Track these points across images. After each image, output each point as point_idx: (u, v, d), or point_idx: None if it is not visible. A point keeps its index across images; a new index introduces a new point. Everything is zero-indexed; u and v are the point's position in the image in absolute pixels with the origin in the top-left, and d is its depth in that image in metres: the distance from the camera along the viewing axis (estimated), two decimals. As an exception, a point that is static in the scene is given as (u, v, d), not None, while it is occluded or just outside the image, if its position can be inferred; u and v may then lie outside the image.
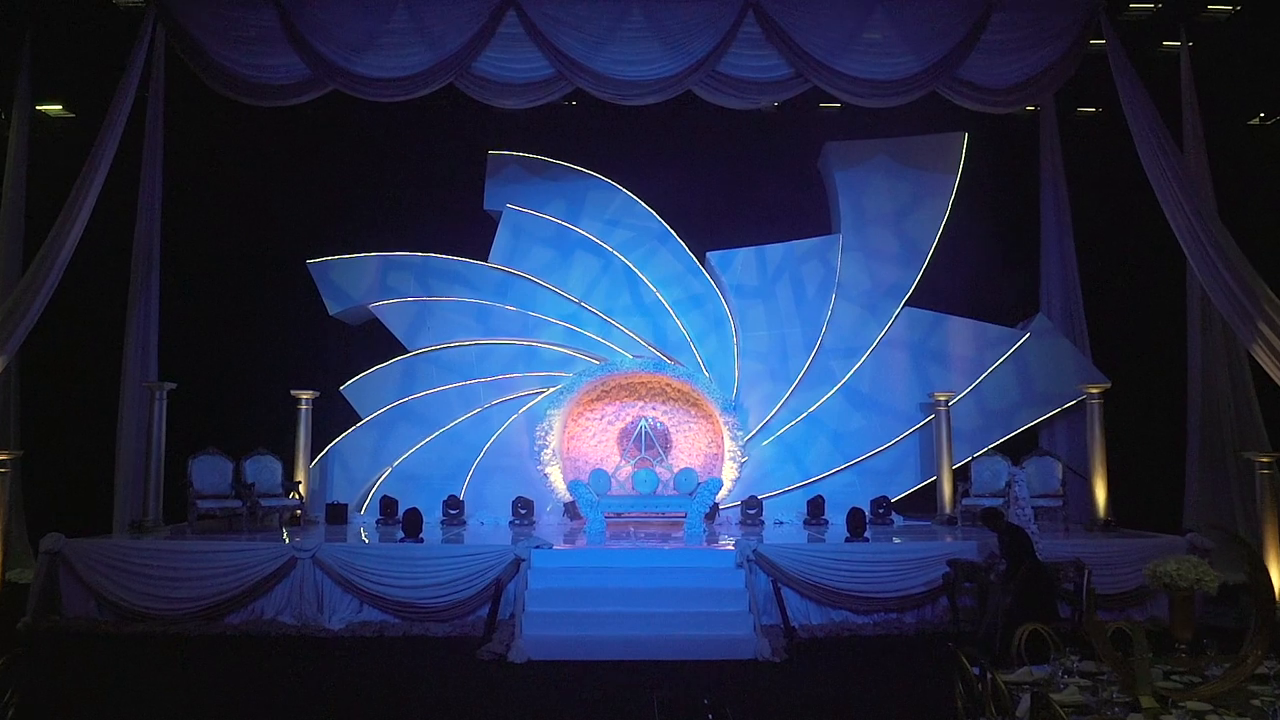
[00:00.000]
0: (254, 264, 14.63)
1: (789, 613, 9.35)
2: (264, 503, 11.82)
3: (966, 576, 9.07)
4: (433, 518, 13.08)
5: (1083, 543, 10.23)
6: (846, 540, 10.09)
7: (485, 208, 14.55)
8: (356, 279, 14.24)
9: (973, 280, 14.67)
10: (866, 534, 10.20)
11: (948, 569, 9.30)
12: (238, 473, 11.98)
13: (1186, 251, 11.52)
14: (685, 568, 9.37)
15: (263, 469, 12.18)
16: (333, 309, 14.18)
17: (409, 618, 9.50)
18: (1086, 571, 7.51)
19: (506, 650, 8.34)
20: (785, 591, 9.47)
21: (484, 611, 9.36)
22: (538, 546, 9.52)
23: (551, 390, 13.84)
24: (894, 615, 9.65)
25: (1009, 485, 12.11)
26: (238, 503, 11.64)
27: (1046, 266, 14.54)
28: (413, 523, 9.99)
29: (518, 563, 9.39)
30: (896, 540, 10.63)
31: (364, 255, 14.25)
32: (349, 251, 14.26)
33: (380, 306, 14.14)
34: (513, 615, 9.07)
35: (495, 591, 9.30)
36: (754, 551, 9.48)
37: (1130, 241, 14.55)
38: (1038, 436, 14.13)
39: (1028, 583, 7.87)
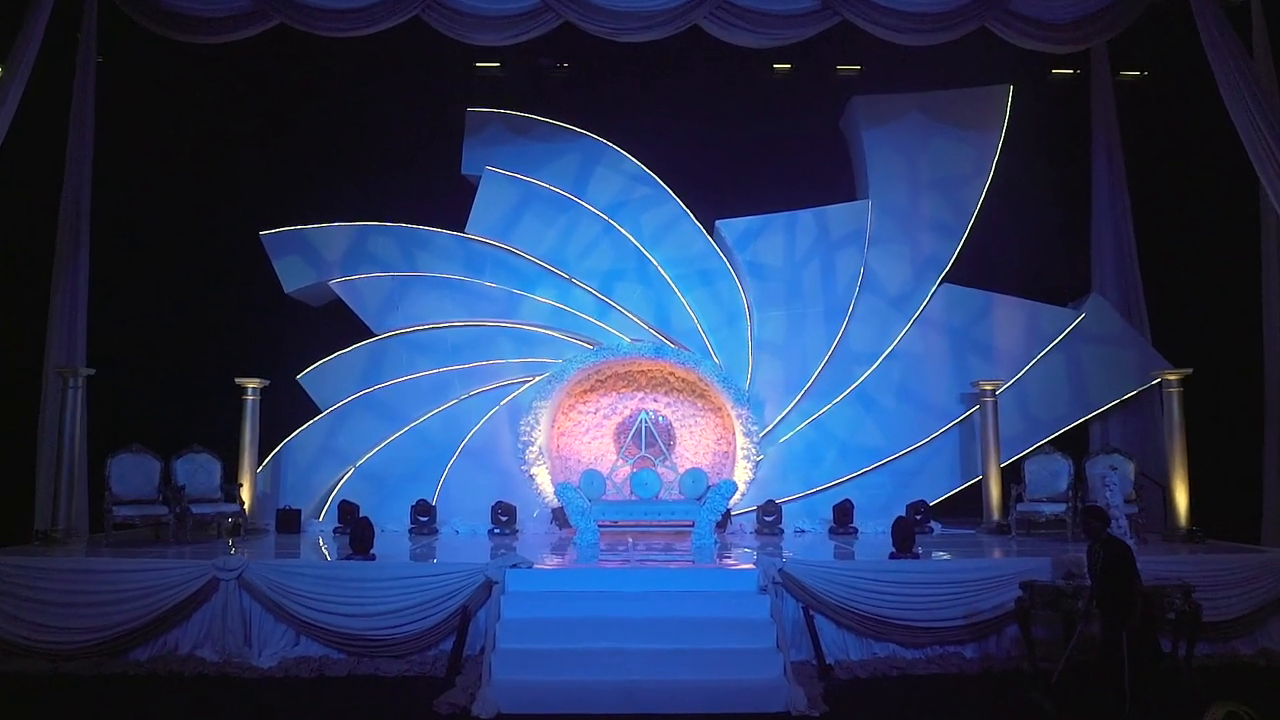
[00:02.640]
0: (199, 235, 12.78)
1: (824, 647, 7.57)
2: (196, 509, 10.02)
3: (1046, 603, 7.29)
4: (400, 526, 11.39)
5: (1177, 559, 8.45)
6: (891, 556, 8.32)
7: (463, 171, 12.76)
8: (316, 252, 12.44)
9: (1015, 256, 13.01)
10: (916, 548, 8.40)
11: (1020, 593, 7.51)
12: (166, 474, 10.19)
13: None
14: (697, 592, 7.56)
15: (197, 469, 10.38)
16: (289, 286, 12.38)
17: (356, 653, 7.74)
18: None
19: (470, 701, 6.55)
20: (819, 620, 7.70)
21: (448, 645, 7.62)
22: (514, 565, 7.74)
23: (538, 379, 12.06)
24: (952, 649, 7.89)
25: (1072, 488, 10.43)
26: (163, 509, 9.85)
27: (1099, 241, 12.83)
28: (362, 535, 8.19)
29: (489, 586, 7.62)
30: (944, 555, 8.85)
31: (325, 226, 12.46)
32: (308, 221, 12.45)
33: (342, 284, 12.35)
34: (483, 650, 7.30)
35: (461, 621, 7.53)
36: (780, 571, 7.70)
37: (1189, 214, 12.81)
38: (1088, 432, 12.40)
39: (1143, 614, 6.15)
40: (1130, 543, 7.11)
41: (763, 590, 7.57)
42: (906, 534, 8.27)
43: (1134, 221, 12.49)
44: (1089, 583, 7.05)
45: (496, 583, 7.59)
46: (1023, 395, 12.13)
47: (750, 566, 7.95)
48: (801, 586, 7.71)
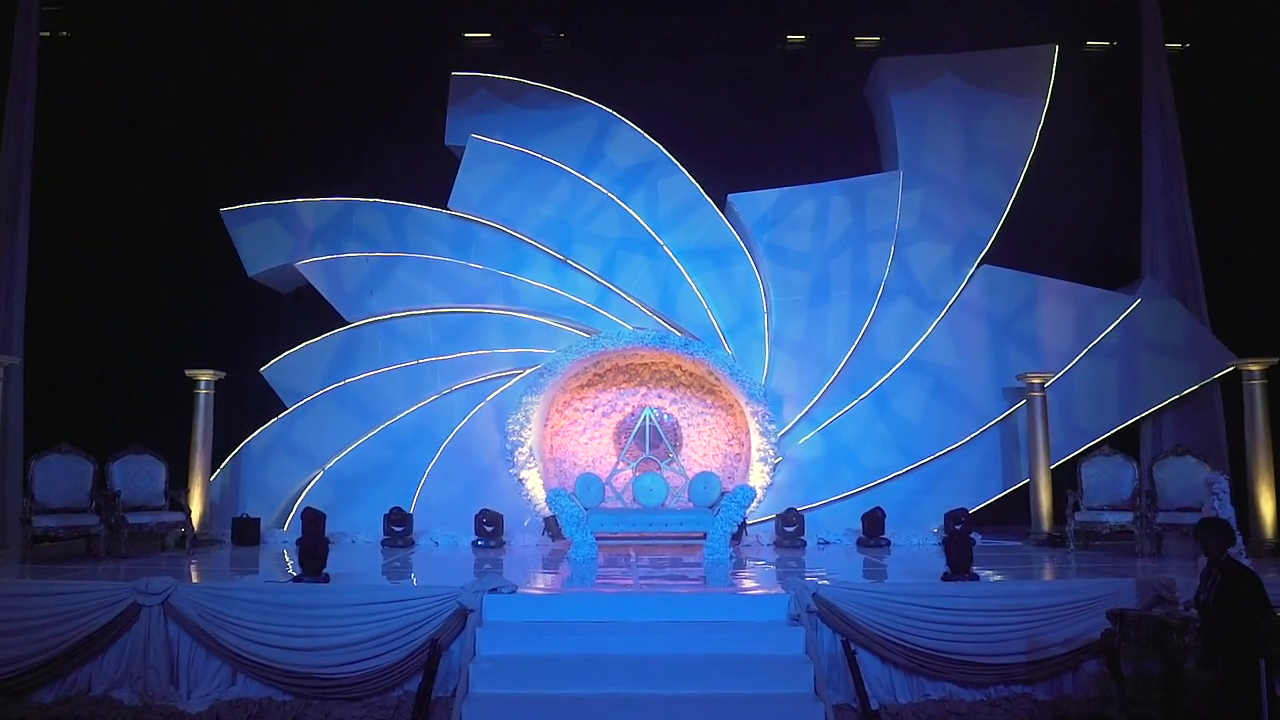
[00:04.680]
0: (152, 212, 11.59)
1: (867, 688, 6.25)
2: (133, 519, 8.73)
3: (1144, 638, 5.96)
4: (373, 537, 10.16)
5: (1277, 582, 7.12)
6: (945, 577, 7.00)
7: (447, 143, 11.48)
8: (284, 231, 11.22)
9: (1055, 236, 11.90)
10: (973, 568, 7.06)
11: (1108, 625, 6.19)
12: (101, 478, 8.89)
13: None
14: (716, 623, 6.25)
15: (138, 473, 9.10)
16: (252, 269, 11.15)
17: (303, 694, 6.41)
18: None
19: (435, 763, 5.25)
20: (860, 655, 6.38)
21: (413, 685, 6.30)
22: (493, 590, 6.42)
23: (529, 371, 10.77)
24: (1019, 689, 6.55)
25: (1138, 494, 9.15)
26: (94, 519, 8.53)
27: (1150, 223, 11.60)
28: (313, 553, 6.86)
29: (463, 614, 6.30)
30: (993, 575, 7.52)
31: (294, 202, 11.21)
32: (274, 197, 11.17)
33: (311, 265, 11.07)
34: (454, 692, 6.00)
35: (430, 657, 6.21)
36: (815, 597, 6.38)
37: (1245, 191, 11.61)
38: (1138, 432, 11.11)
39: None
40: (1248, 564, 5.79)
41: (794, 620, 6.26)
42: (963, 551, 6.94)
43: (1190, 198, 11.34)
44: (1194, 613, 5.79)
45: (472, 611, 6.27)
46: (1068, 391, 10.85)
47: (778, 590, 6.62)
48: (840, 615, 6.39)
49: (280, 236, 11.14)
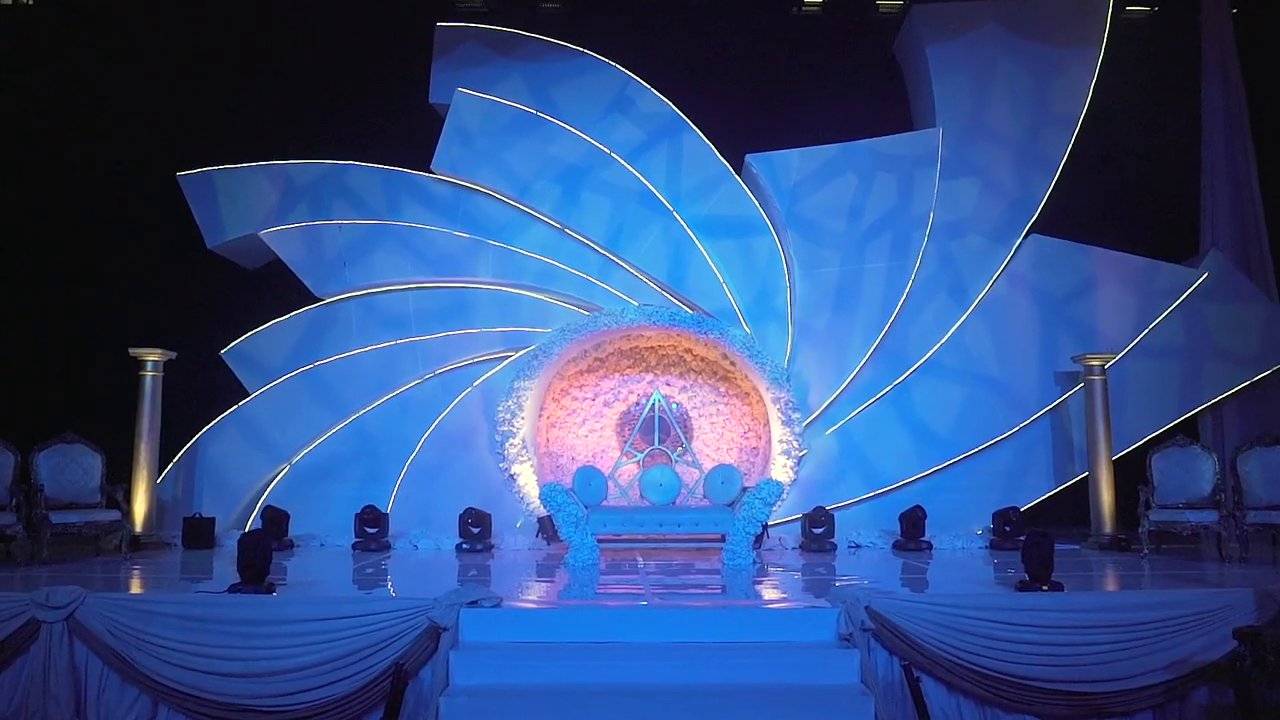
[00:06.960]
0: (100, 175, 10.39)
1: (933, 722, 5.08)
2: (58, 518, 7.51)
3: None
4: (344, 539, 8.99)
5: None
6: (1021, 586, 5.80)
7: (431, 100, 10.29)
8: (248, 198, 10.04)
9: (1102, 206, 10.72)
10: (1055, 577, 5.84)
11: (1237, 645, 5.01)
12: (24, 471, 7.69)
13: None
14: (747, 644, 5.04)
15: (69, 466, 7.89)
16: (212, 240, 9.96)
17: (239, 731, 5.23)
18: None
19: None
20: (924, 682, 5.19)
21: (374, 721, 5.12)
22: (472, 604, 5.21)
23: (521, 353, 9.59)
24: (1116, 723, 5.39)
25: (1219, 490, 7.96)
26: (11, 518, 7.33)
27: (1210, 191, 10.58)
28: (253, 559, 5.62)
29: (435, 634, 5.10)
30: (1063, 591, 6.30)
31: (258, 165, 10.03)
32: (235, 160, 9.99)
33: (277, 235, 9.87)
34: (425, 730, 4.83)
35: (394, 686, 5.01)
36: (868, 610, 5.18)
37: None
38: (1197, 425, 10.01)
39: None
40: None
41: (845, 640, 5.06)
42: (1044, 557, 5.72)
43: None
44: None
45: (446, 629, 5.07)
46: (1121, 377, 9.69)
47: (824, 604, 5.41)
48: (900, 634, 5.19)
49: (243, 204, 9.96)
